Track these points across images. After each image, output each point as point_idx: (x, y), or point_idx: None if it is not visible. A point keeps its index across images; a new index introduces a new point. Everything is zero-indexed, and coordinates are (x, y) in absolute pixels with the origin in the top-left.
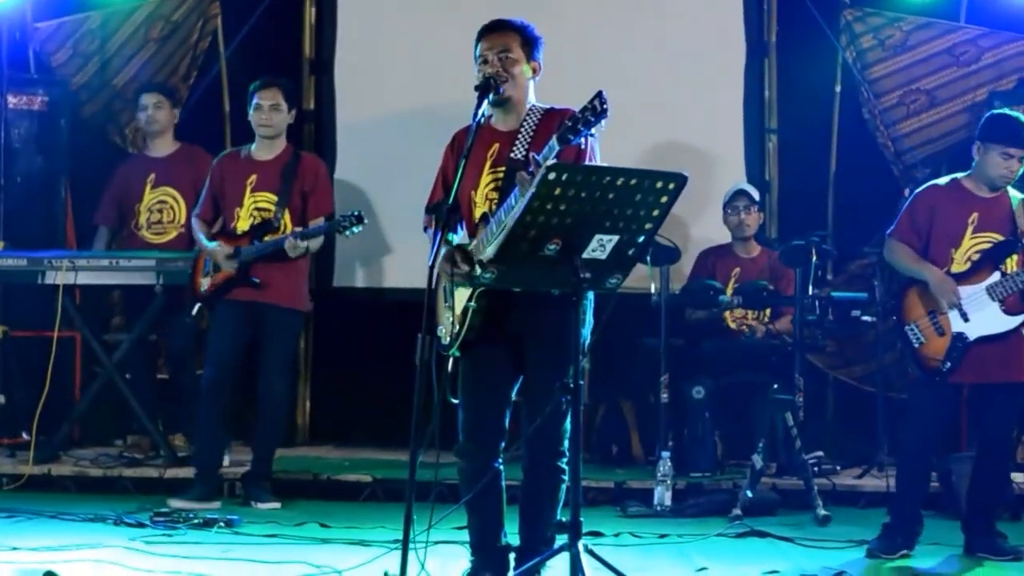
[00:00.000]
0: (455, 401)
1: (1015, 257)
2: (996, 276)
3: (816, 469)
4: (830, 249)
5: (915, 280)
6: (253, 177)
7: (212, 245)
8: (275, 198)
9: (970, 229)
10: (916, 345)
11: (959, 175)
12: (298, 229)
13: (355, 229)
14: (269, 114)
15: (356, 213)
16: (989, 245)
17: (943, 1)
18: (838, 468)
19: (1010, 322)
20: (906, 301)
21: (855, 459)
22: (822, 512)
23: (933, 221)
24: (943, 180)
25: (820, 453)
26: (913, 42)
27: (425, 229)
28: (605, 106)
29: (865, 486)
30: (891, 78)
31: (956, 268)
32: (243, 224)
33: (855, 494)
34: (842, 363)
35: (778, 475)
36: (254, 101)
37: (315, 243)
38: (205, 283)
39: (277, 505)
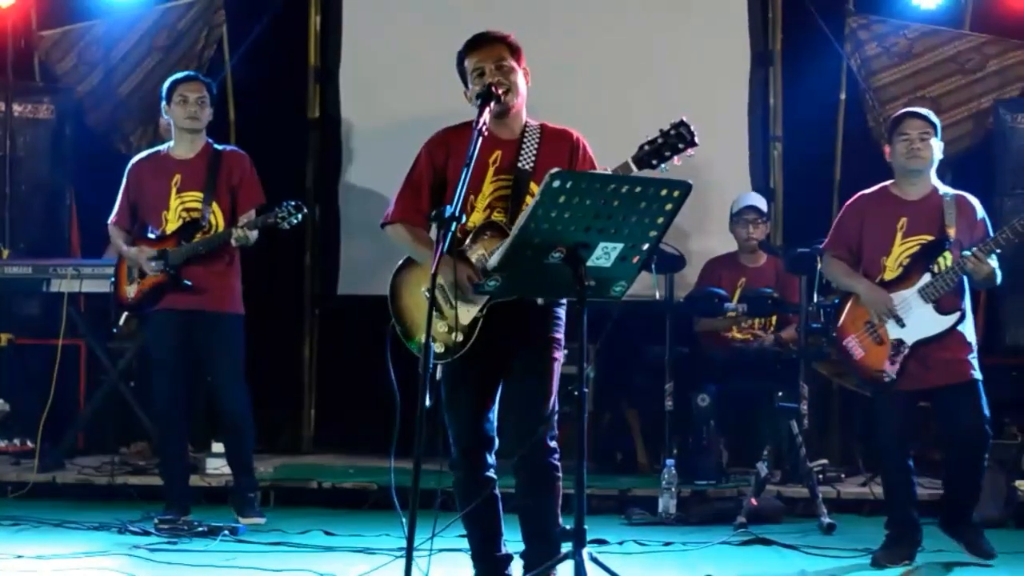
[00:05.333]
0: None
1: (948, 256)
2: (927, 278)
3: (821, 477)
4: None
5: (851, 293)
6: (177, 177)
7: (133, 250)
8: (203, 196)
9: (899, 235)
10: (856, 358)
11: (888, 183)
12: (244, 219)
13: (294, 219)
14: (197, 108)
15: (295, 202)
16: (919, 248)
17: (948, 9)
18: (843, 476)
19: (945, 321)
20: (844, 315)
21: (860, 467)
22: (827, 520)
23: (863, 231)
24: (871, 189)
25: (824, 461)
26: (918, 50)
27: (383, 226)
28: (694, 135)
29: (869, 494)
30: (896, 86)
31: (889, 275)
32: (173, 227)
33: (860, 502)
34: (847, 371)
35: (783, 483)
36: (177, 95)
37: (254, 235)
38: (132, 291)
39: (261, 520)
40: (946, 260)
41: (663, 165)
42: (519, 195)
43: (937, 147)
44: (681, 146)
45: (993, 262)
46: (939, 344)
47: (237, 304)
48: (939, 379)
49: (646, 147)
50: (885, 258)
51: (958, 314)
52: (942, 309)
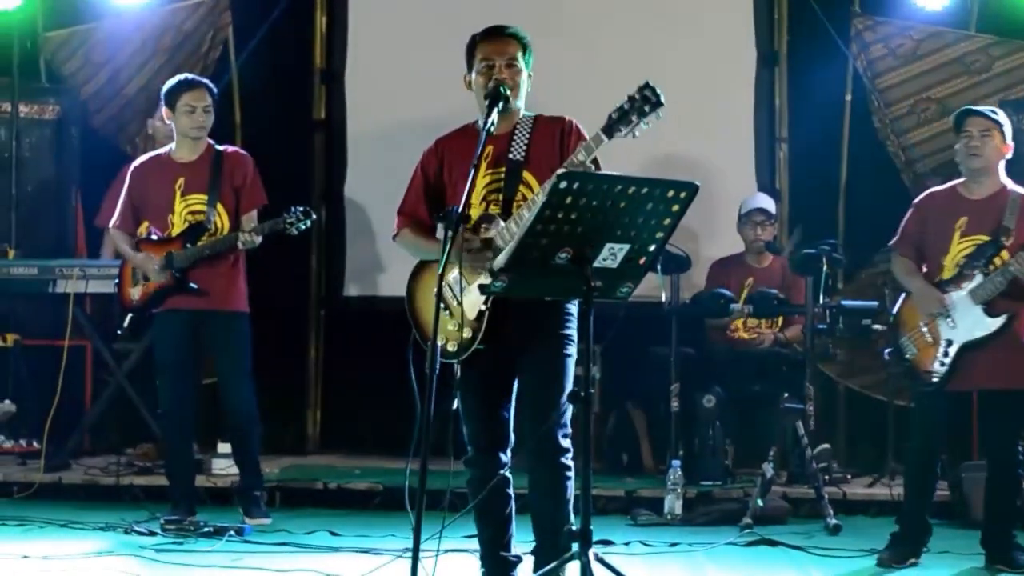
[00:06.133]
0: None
1: (1004, 256)
2: (979, 279)
3: (827, 478)
4: (841, 258)
5: (910, 293)
6: (181, 181)
7: (140, 256)
8: (207, 198)
9: (957, 234)
10: (909, 356)
11: (957, 181)
12: (252, 226)
13: (302, 225)
14: (203, 116)
15: (304, 208)
16: (974, 248)
17: (954, 10)
18: (849, 477)
19: (992, 324)
20: (901, 314)
21: (866, 468)
22: (833, 521)
23: (925, 230)
24: (940, 187)
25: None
26: (924, 51)
27: (395, 236)
28: (660, 95)
29: (876, 495)
30: (902, 87)
31: (946, 275)
32: (179, 230)
33: (866, 503)
34: (853, 372)
35: (789, 484)
36: (183, 104)
37: (260, 238)
38: (136, 293)
39: (267, 521)
40: (1003, 261)
41: (634, 131)
42: (511, 185)
43: (1000, 146)
44: (647, 108)
45: None
46: (993, 346)
47: (243, 303)
48: (990, 381)
49: (614, 115)
50: (944, 257)
51: (1005, 317)
52: (992, 312)
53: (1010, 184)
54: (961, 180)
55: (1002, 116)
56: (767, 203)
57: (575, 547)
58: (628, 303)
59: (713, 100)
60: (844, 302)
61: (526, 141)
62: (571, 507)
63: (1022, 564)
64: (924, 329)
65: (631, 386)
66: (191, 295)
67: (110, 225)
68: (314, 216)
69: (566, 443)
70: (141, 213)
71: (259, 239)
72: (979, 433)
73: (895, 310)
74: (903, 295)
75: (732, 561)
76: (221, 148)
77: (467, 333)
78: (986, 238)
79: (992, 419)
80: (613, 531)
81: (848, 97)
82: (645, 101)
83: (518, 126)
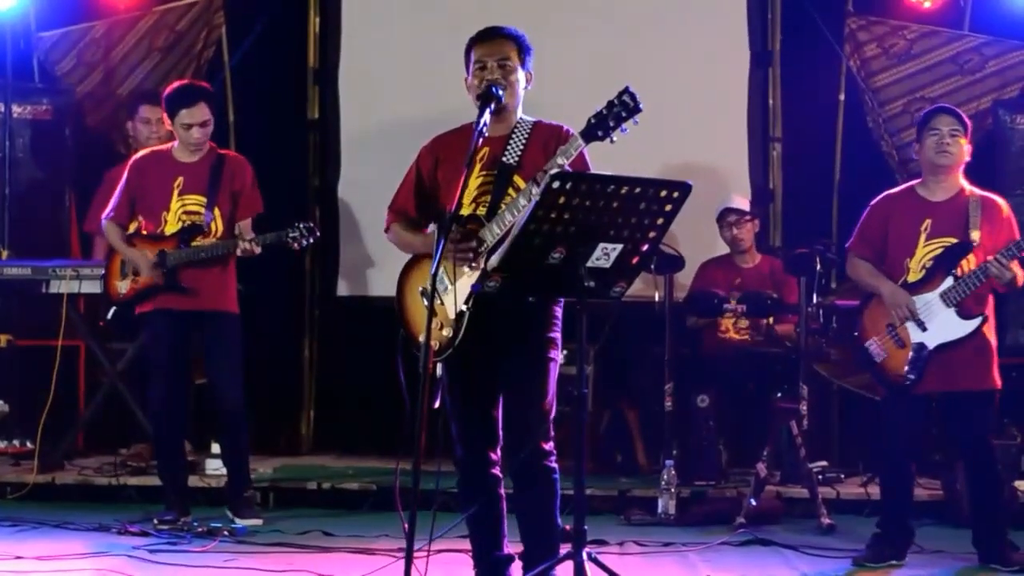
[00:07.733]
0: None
1: (971, 259)
2: (949, 282)
3: (820, 478)
4: (834, 257)
5: (872, 296)
6: (180, 179)
7: (134, 250)
8: (205, 200)
9: (923, 236)
10: (878, 360)
11: (914, 182)
12: (251, 236)
13: (305, 241)
14: (200, 133)
15: (308, 224)
16: (942, 251)
17: (947, 9)
18: (842, 476)
19: (967, 326)
20: (865, 317)
21: (859, 467)
22: (826, 520)
23: (887, 231)
24: (897, 189)
25: (824, 463)
26: (917, 50)
27: (386, 230)
28: (638, 101)
29: (869, 494)
30: (895, 86)
31: (912, 277)
32: (172, 228)
33: (859, 503)
34: (846, 371)
35: (782, 483)
36: (180, 120)
37: (259, 248)
38: (124, 286)
39: (259, 521)
40: (969, 263)
41: (611, 136)
42: (500, 188)
43: (966, 148)
44: (624, 114)
45: (1016, 268)
46: (962, 348)
47: (233, 303)
48: (960, 383)
49: (592, 120)
50: (908, 259)
51: (980, 319)
52: (964, 313)
53: (967, 186)
54: (918, 181)
55: (967, 119)
56: (737, 202)
57: (569, 547)
58: (621, 302)
59: (707, 100)
60: (838, 302)
61: (521, 146)
62: (558, 509)
63: (1016, 561)
64: (894, 333)
65: (625, 385)
66: (181, 295)
67: (104, 217)
68: (318, 233)
69: (548, 446)
70: (136, 207)
71: (259, 250)
72: (950, 436)
73: (861, 312)
74: (865, 298)
75: (725, 561)
76: (223, 151)
77: (447, 332)
78: (952, 240)
79: (966, 421)
80: (607, 531)
81: (842, 97)
82: (623, 107)
83: (516, 129)
